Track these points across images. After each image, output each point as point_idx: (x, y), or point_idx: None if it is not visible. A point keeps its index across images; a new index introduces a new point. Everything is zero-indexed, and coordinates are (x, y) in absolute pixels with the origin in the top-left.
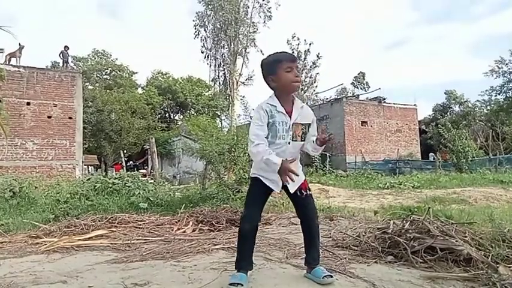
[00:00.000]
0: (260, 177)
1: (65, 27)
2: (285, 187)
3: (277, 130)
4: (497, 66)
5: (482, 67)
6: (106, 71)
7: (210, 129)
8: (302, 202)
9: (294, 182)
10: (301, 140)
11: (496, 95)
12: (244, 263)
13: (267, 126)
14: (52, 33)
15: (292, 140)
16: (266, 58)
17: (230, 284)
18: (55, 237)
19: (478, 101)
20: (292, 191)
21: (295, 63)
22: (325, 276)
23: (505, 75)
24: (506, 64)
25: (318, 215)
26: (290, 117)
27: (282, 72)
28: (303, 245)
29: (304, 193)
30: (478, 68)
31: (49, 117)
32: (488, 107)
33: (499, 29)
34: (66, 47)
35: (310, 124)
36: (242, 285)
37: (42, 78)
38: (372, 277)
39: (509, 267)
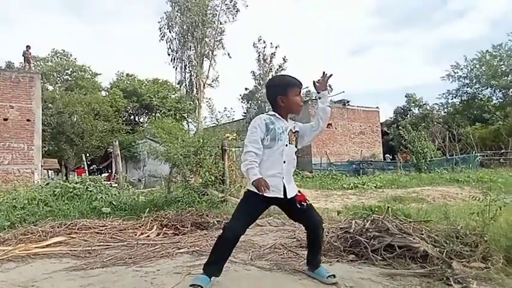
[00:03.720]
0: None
1: (22, 25)
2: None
3: (277, 133)
4: (453, 71)
5: (440, 72)
6: (67, 71)
7: (175, 132)
8: (306, 214)
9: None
10: (295, 146)
11: (452, 98)
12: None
13: (268, 131)
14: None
15: (289, 143)
16: (275, 79)
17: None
18: (10, 245)
19: (436, 104)
20: (289, 196)
21: (301, 89)
22: (329, 276)
23: (460, 79)
24: (461, 69)
25: (323, 221)
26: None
27: (292, 95)
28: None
29: (305, 204)
30: (436, 73)
31: (5, 119)
32: (446, 110)
33: (456, 35)
34: (28, 47)
35: (298, 131)
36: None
37: None
38: None
39: (462, 262)
